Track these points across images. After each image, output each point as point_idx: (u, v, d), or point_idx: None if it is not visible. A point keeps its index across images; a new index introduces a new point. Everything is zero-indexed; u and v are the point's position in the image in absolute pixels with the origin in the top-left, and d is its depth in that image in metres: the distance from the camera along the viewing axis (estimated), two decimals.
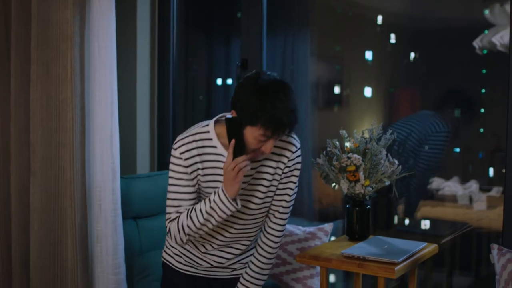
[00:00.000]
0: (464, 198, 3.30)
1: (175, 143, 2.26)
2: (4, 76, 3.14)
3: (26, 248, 3.09)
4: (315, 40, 3.74)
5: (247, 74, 2.18)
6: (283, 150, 2.30)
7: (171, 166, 2.26)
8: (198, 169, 2.24)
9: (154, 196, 3.19)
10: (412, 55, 3.48)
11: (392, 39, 3.52)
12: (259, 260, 2.43)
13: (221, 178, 2.26)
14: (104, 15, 2.93)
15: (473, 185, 3.28)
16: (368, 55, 3.54)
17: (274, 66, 3.60)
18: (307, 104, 3.71)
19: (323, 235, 2.98)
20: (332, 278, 3.59)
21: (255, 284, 2.44)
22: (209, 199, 2.20)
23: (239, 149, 2.13)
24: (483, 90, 3.26)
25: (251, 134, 2.10)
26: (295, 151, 2.32)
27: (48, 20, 2.93)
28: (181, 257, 2.45)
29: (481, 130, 3.29)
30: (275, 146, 2.27)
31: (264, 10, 3.32)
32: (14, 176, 3.10)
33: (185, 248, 2.43)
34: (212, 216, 2.19)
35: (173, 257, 2.47)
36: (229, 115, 2.17)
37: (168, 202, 2.28)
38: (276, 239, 2.42)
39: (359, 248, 2.51)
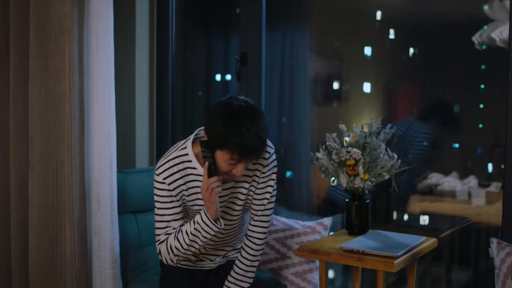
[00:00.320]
0: (463, 194, 3.30)
1: (157, 168, 2.35)
2: (3, 70, 3.14)
3: (25, 242, 3.09)
4: (314, 35, 3.73)
5: (220, 99, 2.27)
6: (258, 160, 2.39)
7: (155, 191, 2.35)
8: (182, 190, 2.35)
9: (153, 190, 3.18)
10: (411, 50, 3.47)
11: (391, 34, 3.51)
12: (242, 263, 2.54)
13: None
14: (102, 9, 2.93)
15: (472, 181, 3.27)
16: (367, 50, 3.54)
17: (273, 61, 3.60)
18: (306, 99, 3.71)
19: (322, 229, 2.97)
20: (330, 273, 3.59)
21: (239, 286, 2.54)
22: (194, 221, 2.31)
23: (214, 170, 2.25)
24: (482, 86, 3.25)
25: (221, 157, 2.20)
26: (269, 157, 2.41)
27: (47, 14, 2.92)
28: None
29: (480, 125, 3.28)
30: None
31: (263, 4, 3.32)
32: (13, 170, 3.10)
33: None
34: (197, 237, 2.30)
35: None
36: (203, 139, 2.28)
37: (157, 225, 2.37)
38: (258, 241, 2.50)
39: (359, 242, 2.51)
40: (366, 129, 2.67)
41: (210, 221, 2.27)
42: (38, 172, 2.98)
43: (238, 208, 2.46)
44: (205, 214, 2.27)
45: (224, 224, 2.40)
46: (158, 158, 3.61)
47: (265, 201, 2.46)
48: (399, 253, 2.36)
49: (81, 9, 2.92)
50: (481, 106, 3.28)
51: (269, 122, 3.55)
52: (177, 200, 2.35)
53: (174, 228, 2.36)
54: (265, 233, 2.51)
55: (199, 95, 4.08)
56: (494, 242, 2.56)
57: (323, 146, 2.70)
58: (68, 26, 2.86)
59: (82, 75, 2.93)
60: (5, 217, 3.17)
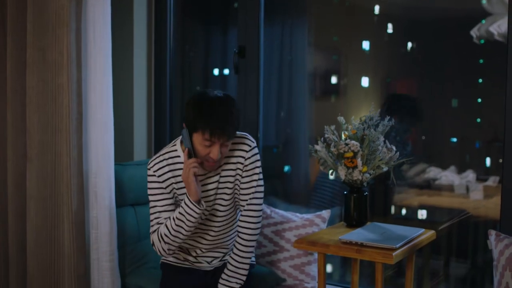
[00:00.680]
0: (461, 188, 3.30)
1: (148, 164, 2.57)
2: (0, 61, 3.12)
3: (22, 234, 3.08)
4: (312, 30, 3.73)
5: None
6: (238, 152, 2.56)
7: (148, 185, 2.56)
8: (172, 183, 2.55)
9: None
10: (409, 45, 3.47)
11: (389, 29, 3.51)
12: (233, 258, 2.61)
13: None
14: (100, 2, 2.93)
15: (470, 175, 3.28)
16: (365, 45, 3.53)
17: (271, 56, 3.60)
18: (304, 94, 3.71)
19: (321, 222, 2.97)
20: (328, 268, 3.59)
21: (231, 283, 2.60)
22: (179, 206, 2.48)
23: (193, 156, 2.46)
24: (480, 80, 3.25)
25: (197, 140, 2.40)
26: (250, 150, 2.56)
27: (45, 5, 2.91)
28: (178, 259, 2.73)
29: (478, 120, 3.29)
30: (230, 151, 2.53)
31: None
32: (10, 163, 3.09)
33: (180, 255, 2.72)
34: (183, 221, 2.45)
35: (171, 259, 2.74)
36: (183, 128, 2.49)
37: (151, 217, 2.56)
38: (248, 237, 2.59)
39: (357, 234, 2.51)
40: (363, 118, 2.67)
41: (192, 203, 2.42)
42: (35, 165, 2.98)
43: (226, 203, 2.59)
44: (187, 197, 2.44)
45: (215, 219, 2.60)
46: (156, 151, 3.62)
47: (252, 191, 2.57)
48: (398, 245, 2.35)
49: (78, 1, 2.90)
50: (479, 100, 3.28)
51: (267, 116, 3.56)
52: (168, 193, 2.54)
53: (165, 219, 2.53)
54: (254, 228, 2.60)
55: (197, 90, 4.07)
56: (492, 234, 2.56)
57: (322, 139, 2.70)
58: (65, 18, 2.85)
59: (80, 68, 2.92)
60: (3, 210, 3.16)
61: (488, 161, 3.27)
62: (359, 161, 2.58)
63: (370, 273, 3.31)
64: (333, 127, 2.68)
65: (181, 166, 2.54)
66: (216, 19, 3.97)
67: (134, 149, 3.58)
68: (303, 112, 3.71)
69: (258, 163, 2.60)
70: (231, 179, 2.57)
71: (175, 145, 2.59)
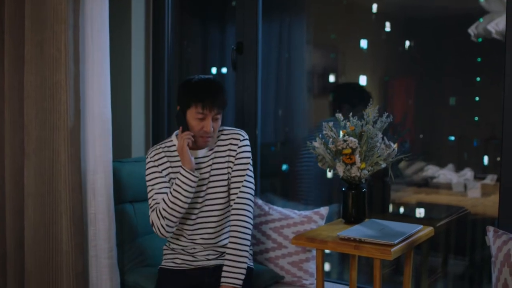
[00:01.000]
0: (458, 186, 3.30)
1: (147, 154, 2.78)
2: None
3: (20, 231, 3.07)
4: (310, 27, 3.73)
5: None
6: (231, 140, 2.75)
7: (146, 171, 2.75)
8: (169, 167, 2.73)
9: None
10: (407, 43, 3.47)
11: (387, 27, 3.51)
12: (231, 248, 2.65)
13: None
14: None
15: (468, 173, 3.28)
16: (363, 43, 3.53)
17: (269, 54, 3.60)
18: (302, 92, 3.71)
19: (319, 219, 2.97)
20: (326, 266, 3.59)
21: (237, 260, 2.64)
22: (176, 179, 2.64)
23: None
24: (478, 78, 3.26)
25: (191, 116, 2.63)
26: (243, 139, 2.76)
27: (42, 1, 2.91)
28: (175, 262, 2.80)
29: (476, 118, 3.29)
30: (223, 141, 2.75)
31: None
32: (8, 159, 3.08)
33: (178, 258, 2.79)
34: (179, 192, 2.60)
35: (168, 263, 2.82)
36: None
37: (149, 201, 2.71)
38: (244, 223, 2.67)
39: (355, 230, 2.50)
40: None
41: (186, 171, 2.60)
42: (33, 161, 2.97)
43: (221, 195, 2.74)
44: (183, 168, 2.62)
45: (212, 213, 2.73)
46: (153, 145, 3.61)
47: (243, 179, 2.72)
48: (396, 241, 2.35)
49: None
50: (477, 98, 3.28)
51: (265, 114, 3.55)
52: (163, 177, 2.71)
53: (162, 199, 2.67)
54: (248, 216, 2.69)
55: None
56: (490, 230, 2.56)
57: (320, 135, 2.70)
58: (63, 14, 2.84)
59: (77, 64, 2.91)
60: (1, 207, 3.16)
61: (486, 159, 3.27)
62: (357, 158, 2.58)
63: (368, 271, 3.31)
64: (331, 123, 2.68)
65: (176, 153, 2.73)
66: (214, 17, 3.97)
67: (132, 146, 3.58)
68: (301, 110, 3.70)
69: (249, 154, 2.76)
70: (223, 165, 2.74)
71: (170, 137, 2.81)
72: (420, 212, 3.43)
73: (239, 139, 2.75)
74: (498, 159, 2.83)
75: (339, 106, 3.50)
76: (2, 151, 3.12)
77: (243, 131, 2.80)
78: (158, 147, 2.77)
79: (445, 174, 3.35)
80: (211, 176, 2.73)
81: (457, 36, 3.24)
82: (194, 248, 2.77)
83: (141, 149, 3.64)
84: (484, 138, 3.25)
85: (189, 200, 2.63)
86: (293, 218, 3.00)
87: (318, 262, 2.53)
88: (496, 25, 3.06)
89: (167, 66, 3.67)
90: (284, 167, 3.74)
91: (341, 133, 2.66)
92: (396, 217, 3.48)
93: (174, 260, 2.80)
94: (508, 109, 2.65)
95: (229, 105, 3.53)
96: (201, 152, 2.73)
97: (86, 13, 2.93)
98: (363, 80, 3.52)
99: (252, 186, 2.74)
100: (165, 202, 2.62)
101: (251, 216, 2.70)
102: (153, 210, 2.66)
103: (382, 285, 2.47)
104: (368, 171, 2.62)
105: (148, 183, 2.72)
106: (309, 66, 3.76)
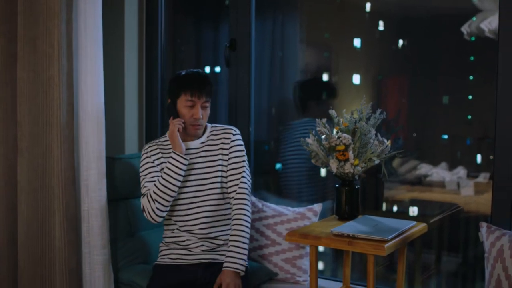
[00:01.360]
0: (452, 184, 3.31)
1: (143, 149, 2.91)
2: None
3: (13, 227, 3.06)
4: (303, 26, 3.74)
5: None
6: (223, 134, 2.87)
7: (140, 164, 2.86)
8: (161, 157, 2.84)
9: None
10: (401, 42, 3.48)
11: (381, 26, 3.52)
12: (238, 224, 2.75)
13: None
14: None
15: (461, 171, 3.29)
16: (357, 42, 3.54)
17: (262, 52, 3.59)
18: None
19: (312, 215, 2.97)
20: (320, 265, 3.59)
21: (240, 247, 2.72)
22: (167, 163, 2.75)
23: None
24: (471, 77, 3.27)
25: (181, 104, 2.77)
26: (235, 134, 2.87)
27: None
28: (170, 258, 2.82)
29: (469, 117, 3.30)
30: (214, 135, 2.86)
31: None
32: (1, 156, 3.05)
33: (172, 254, 2.82)
34: (169, 175, 2.71)
35: (163, 259, 2.85)
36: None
37: (141, 190, 2.81)
38: (247, 207, 2.79)
39: (349, 227, 2.50)
40: (356, 115, 2.67)
41: (177, 154, 2.72)
42: (26, 158, 2.96)
43: (214, 180, 2.82)
44: (173, 152, 2.74)
45: (203, 197, 2.81)
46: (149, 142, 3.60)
47: (239, 166, 2.83)
48: (390, 237, 2.35)
49: None
50: (470, 97, 3.29)
51: (258, 112, 3.55)
52: (155, 166, 2.82)
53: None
54: (248, 210, 2.79)
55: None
56: (483, 226, 2.56)
57: (313, 132, 2.70)
58: (56, 9, 2.83)
59: (71, 59, 2.90)
60: None
61: (479, 157, 3.28)
62: (350, 154, 2.58)
63: (362, 269, 3.31)
64: (324, 120, 2.68)
65: (169, 146, 2.84)
66: (207, 16, 3.97)
67: (126, 142, 3.57)
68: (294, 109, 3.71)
69: (243, 148, 2.88)
70: (215, 158, 2.84)
71: (165, 134, 2.91)
72: (413, 211, 3.44)
73: (231, 133, 2.87)
74: (491, 157, 2.83)
75: (305, 104, 3.54)
76: None
77: (234, 127, 2.91)
78: (153, 142, 2.90)
79: (438, 173, 3.36)
80: (202, 168, 2.82)
81: (450, 34, 3.25)
82: (188, 240, 2.80)
83: (135, 145, 3.63)
84: (477, 136, 3.27)
85: (179, 184, 2.73)
86: (286, 215, 3.00)
87: (311, 258, 2.52)
88: (489, 23, 3.07)
89: (160, 62, 3.66)
90: (278, 166, 3.74)
91: (334, 129, 2.66)
92: (389, 214, 3.48)
93: (169, 256, 2.83)
94: (501, 108, 2.66)
95: (222, 102, 3.53)
96: (192, 144, 2.83)
97: (79, 7, 2.92)
98: (356, 79, 3.53)
99: (250, 179, 2.85)
100: (156, 186, 2.72)
101: (250, 209, 2.81)
102: (144, 196, 2.76)
103: (376, 283, 2.47)
104: (362, 168, 2.62)
105: (141, 174, 2.83)
106: (303, 65, 3.77)
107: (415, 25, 3.38)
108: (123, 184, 3.12)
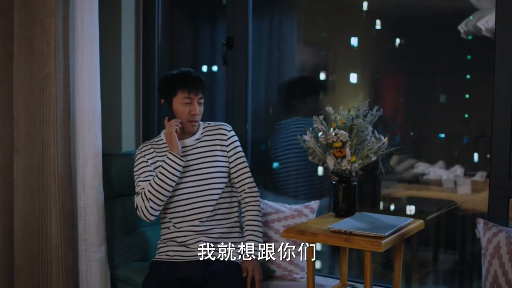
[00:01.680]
0: (449, 182, 3.31)
1: (137, 149, 2.93)
2: None
3: (10, 225, 3.05)
4: (301, 25, 3.74)
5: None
6: (218, 130, 2.92)
7: (134, 163, 2.88)
8: (155, 156, 2.86)
9: None
10: (398, 41, 3.48)
11: (378, 25, 3.52)
12: (254, 220, 2.86)
13: None
14: None
15: (458, 170, 3.29)
16: (354, 41, 3.54)
17: (260, 51, 3.59)
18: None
19: (309, 212, 2.97)
20: (317, 264, 3.58)
21: (257, 236, 2.85)
22: (163, 162, 2.77)
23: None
24: (468, 76, 3.27)
25: (178, 102, 2.80)
26: (230, 131, 2.93)
27: None
28: (168, 255, 2.83)
29: (466, 115, 3.30)
30: (208, 132, 2.91)
31: None
32: None
33: (170, 251, 2.83)
34: (165, 175, 2.72)
35: (161, 256, 2.85)
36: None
37: (136, 189, 2.82)
38: (259, 198, 2.93)
39: (346, 223, 2.50)
40: (353, 112, 2.67)
41: (173, 155, 2.73)
42: (23, 156, 2.95)
43: (212, 175, 2.84)
44: (170, 153, 2.74)
45: (204, 191, 2.82)
46: (144, 141, 3.60)
47: (243, 159, 2.92)
48: (387, 233, 2.35)
49: None
50: (467, 96, 3.29)
51: (256, 111, 3.55)
52: (149, 165, 2.83)
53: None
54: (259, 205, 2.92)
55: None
56: (480, 222, 2.57)
57: (310, 129, 2.70)
58: (53, 7, 2.83)
59: (67, 57, 2.91)
60: None
61: (476, 156, 3.28)
62: (347, 151, 2.58)
63: (359, 268, 3.31)
64: (321, 117, 2.68)
65: (163, 146, 2.87)
66: (205, 14, 3.97)
67: (122, 139, 3.57)
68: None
69: (238, 143, 2.94)
70: (212, 153, 2.87)
71: (160, 134, 2.95)
72: (410, 210, 3.44)
73: (226, 130, 2.93)
74: (488, 156, 2.84)
75: (292, 102, 3.54)
76: None
77: (227, 123, 2.98)
78: (147, 143, 2.92)
79: (436, 171, 3.35)
80: (198, 163, 2.85)
81: (447, 33, 3.25)
82: (185, 237, 2.80)
83: (131, 142, 3.63)
84: (474, 135, 3.27)
85: (173, 184, 2.74)
86: (283, 212, 3.00)
87: (308, 255, 2.52)
88: (486, 22, 3.07)
89: (157, 60, 3.66)
90: (275, 165, 3.74)
91: (332, 126, 2.66)
92: (386, 212, 3.48)
93: (167, 253, 2.83)
94: (497, 107, 2.66)
95: (220, 101, 3.53)
96: (188, 141, 2.86)
97: (76, 5, 2.92)
98: (353, 78, 3.53)
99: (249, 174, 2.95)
100: (151, 185, 2.73)
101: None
102: (138, 194, 2.77)
103: (373, 280, 2.47)
104: (359, 164, 2.62)
105: (135, 173, 2.85)
106: (300, 63, 3.77)
107: (412, 24, 3.38)
108: (120, 181, 3.12)
